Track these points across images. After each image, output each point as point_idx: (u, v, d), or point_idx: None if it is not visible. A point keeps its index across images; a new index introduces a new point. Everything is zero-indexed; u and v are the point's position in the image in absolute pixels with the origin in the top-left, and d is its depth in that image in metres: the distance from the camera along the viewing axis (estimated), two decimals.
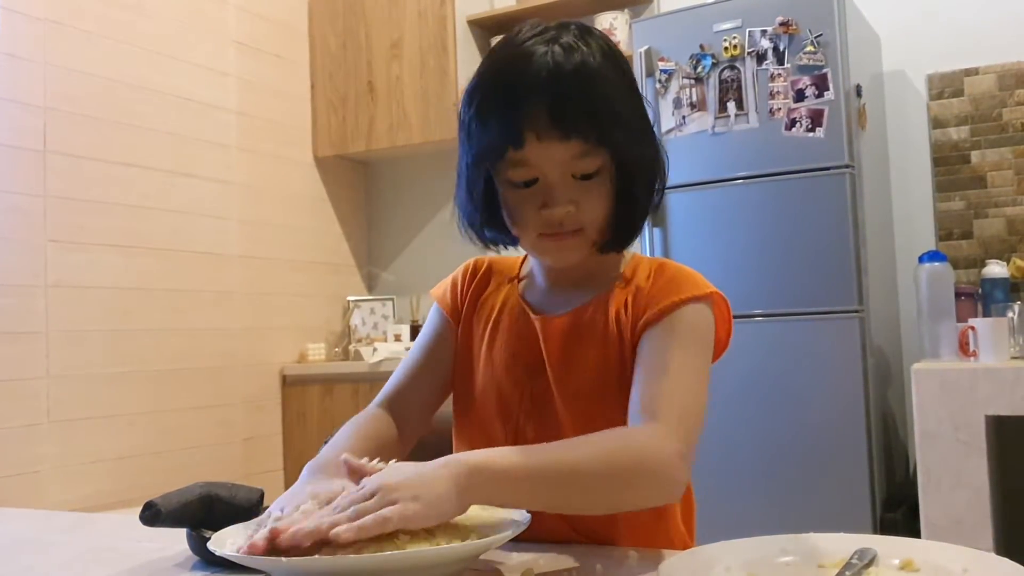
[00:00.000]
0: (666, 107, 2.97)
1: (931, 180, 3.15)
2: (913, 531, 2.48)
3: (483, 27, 3.73)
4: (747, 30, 2.85)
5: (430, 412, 1.18)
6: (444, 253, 3.45)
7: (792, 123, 2.77)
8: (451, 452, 1.17)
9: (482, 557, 0.90)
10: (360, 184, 4.11)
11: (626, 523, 1.06)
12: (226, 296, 3.38)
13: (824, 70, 2.74)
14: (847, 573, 0.75)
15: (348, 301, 3.88)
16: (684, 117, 2.94)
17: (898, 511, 2.67)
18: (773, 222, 2.79)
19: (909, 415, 2.76)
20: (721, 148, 2.88)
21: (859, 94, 2.79)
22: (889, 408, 2.93)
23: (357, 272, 4.05)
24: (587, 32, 1.03)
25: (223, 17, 3.45)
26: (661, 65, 2.99)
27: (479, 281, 1.19)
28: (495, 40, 3.62)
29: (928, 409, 2.43)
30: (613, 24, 3.43)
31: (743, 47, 2.86)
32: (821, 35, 2.74)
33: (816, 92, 2.75)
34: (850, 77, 2.76)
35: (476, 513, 0.89)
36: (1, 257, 2.65)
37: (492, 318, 1.15)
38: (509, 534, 0.83)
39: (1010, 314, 2.57)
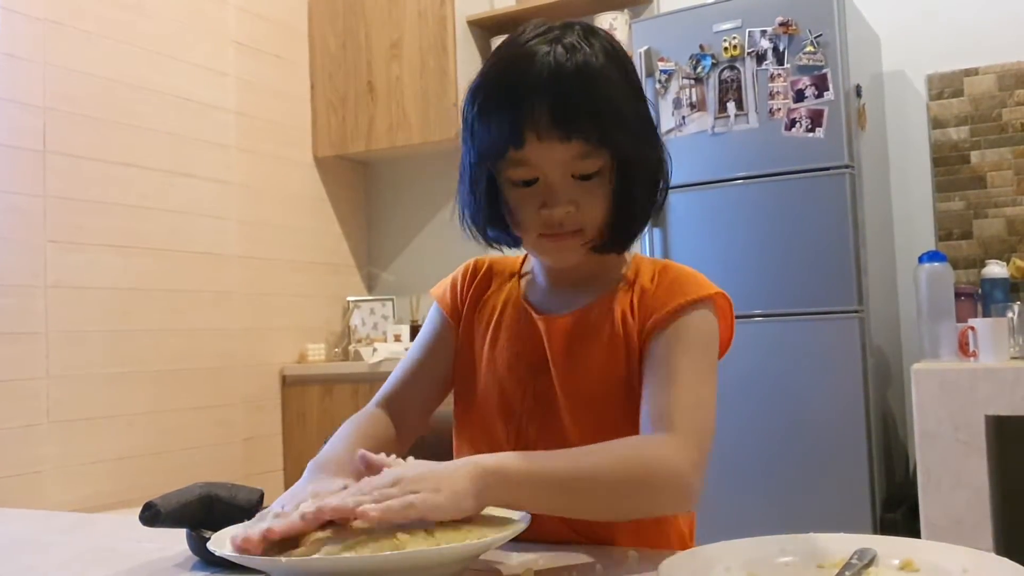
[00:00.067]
0: (666, 107, 2.97)
1: (931, 180, 3.15)
2: (913, 531, 2.48)
3: (483, 27, 3.72)
4: (747, 30, 2.85)
5: (429, 412, 1.18)
6: (444, 253, 3.45)
7: (792, 123, 2.77)
8: (451, 452, 1.18)
9: (482, 557, 0.90)
10: (360, 184, 4.11)
11: (626, 523, 1.06)
12: (226, 296, 3.37)
13: (824, 70, 2.74)
14: (847, 573, 0.75)
15: (348, 301, 3.87)
16: (684, 117, 2.95)
17: (898, 511, 2.67)
18: (773, 222, 2.80)
19: (909, 415, 2.76)
20: (721, 148, 2.88)
21: (859, 94, 2.79)
22: (889, 408, 2.93)
23: (357, 272, 4.05)
24: (591, 32, 1.02)
25: (223, 17, 3.44)
26: (661, 65, 2.99)
27: (480, 281, 1.18)
28: (495, 40, 3.63)
29: (928, 409, 2.43)
30: (613, 24, 3.43)
31: (743, 47, 2.86)
32: (821, 35, 2.74)
33: (816, 92, 2.75)
34: (850, 77, 2.76)
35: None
36: (1, 257, 2.65)
37: (494, 318, 1.14)
38: (509, 534, 0.83)
39: (1010, 314, 2.57)
